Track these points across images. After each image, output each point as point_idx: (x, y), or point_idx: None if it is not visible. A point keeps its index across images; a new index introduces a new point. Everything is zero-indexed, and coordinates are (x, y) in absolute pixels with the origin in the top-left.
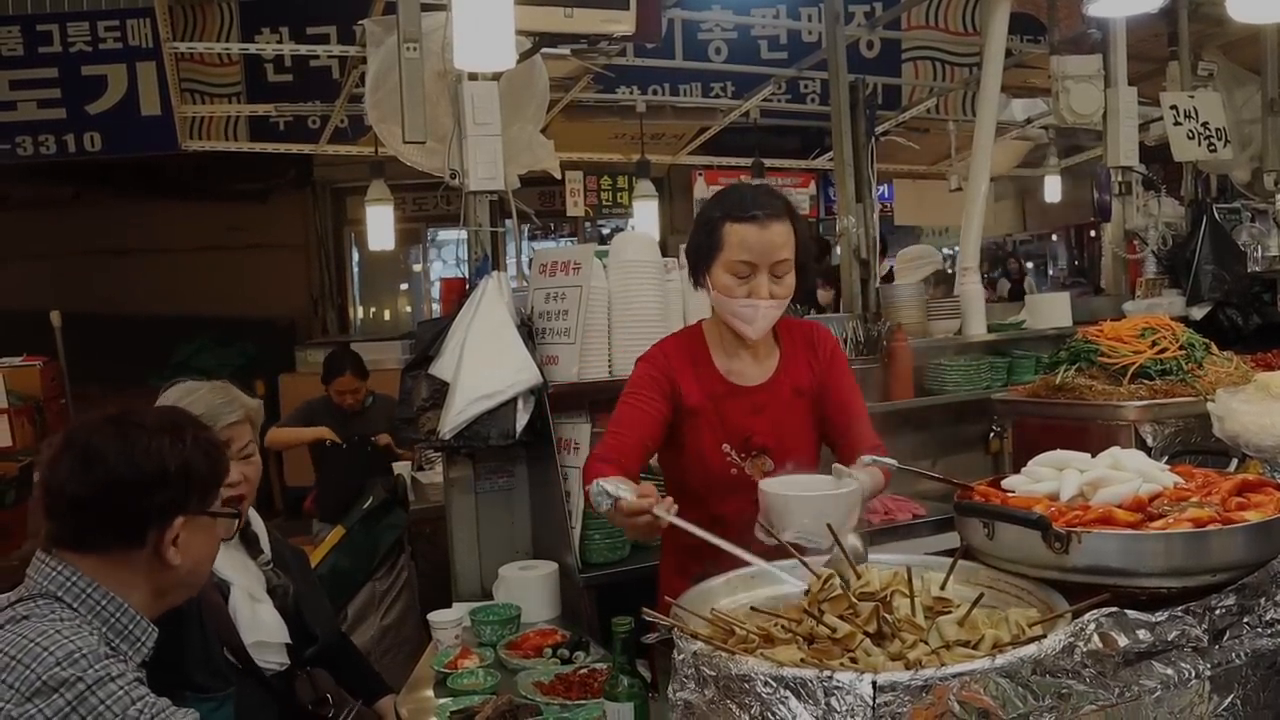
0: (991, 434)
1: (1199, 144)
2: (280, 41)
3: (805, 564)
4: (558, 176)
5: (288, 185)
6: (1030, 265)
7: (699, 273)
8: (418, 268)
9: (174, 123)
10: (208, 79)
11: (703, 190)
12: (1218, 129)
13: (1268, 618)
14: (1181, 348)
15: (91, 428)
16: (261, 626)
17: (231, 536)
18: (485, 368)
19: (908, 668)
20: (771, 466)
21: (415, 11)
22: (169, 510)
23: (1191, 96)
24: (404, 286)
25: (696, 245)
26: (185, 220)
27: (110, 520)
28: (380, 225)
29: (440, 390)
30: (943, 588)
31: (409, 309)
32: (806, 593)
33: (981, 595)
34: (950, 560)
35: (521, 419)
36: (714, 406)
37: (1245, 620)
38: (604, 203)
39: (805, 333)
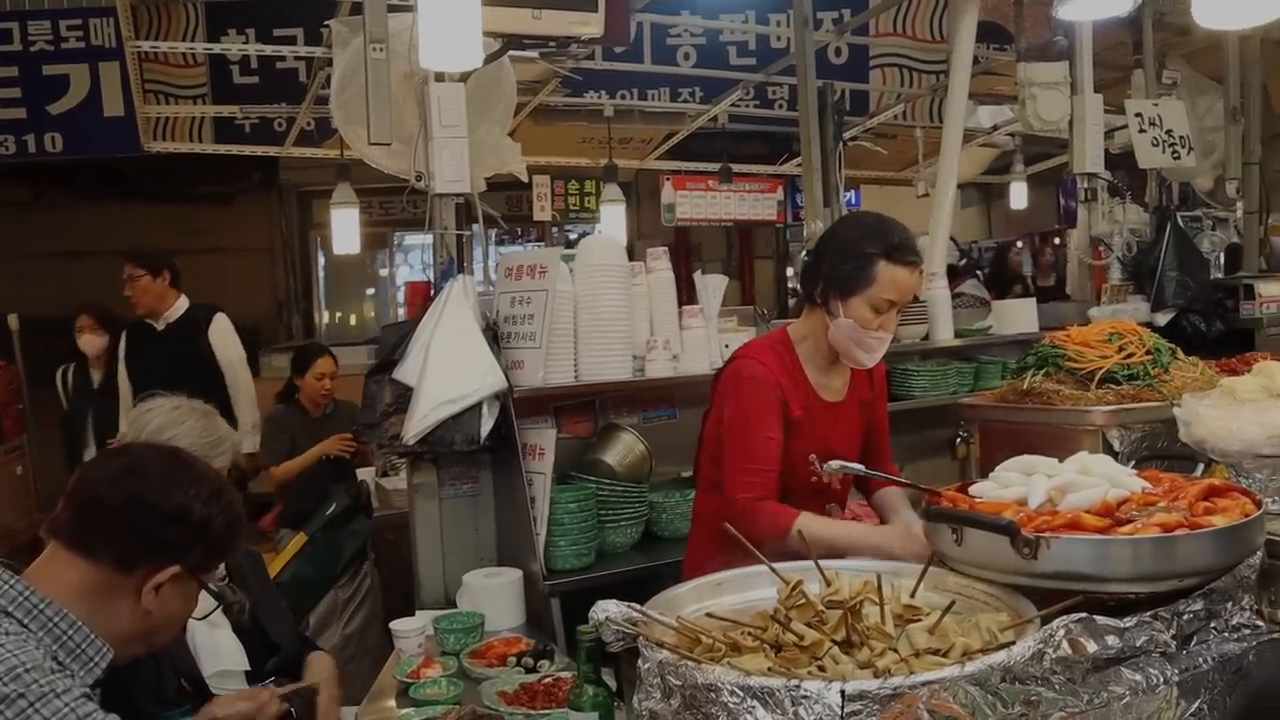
0: (959, 439)
1: (1163, 151)
2: (246, 42)
3: (775, 571)
4: (525, 180)
5: (253, 188)
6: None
7: (831, 297)
8: (384, 272)
9: (136, 124)
10: (172, 80)
11: (670, 195)
12: (1181, 136)
13: (1234, 622)
14: (1148, 353)
15: (153, 448)
16: (222, 655)
17: (203, 616)
18: (450, 372)
19: (876, 676)
20: (842, 475)
21: (382, 12)
22: (171, 552)
23: (1156, 104)
24: (370, 291)
25: (843, 274)
26: (148, 223)
27: (115, 531)
28: (346, 229)
29: (404, 395)
30: (912, 595)
31: (375, 313)
32: None
33: (953, 603)
34: (920, 567)
35: (486, 424)
36: (808, 419)
37: (1212, 625)
38: (571, 207)
39: None
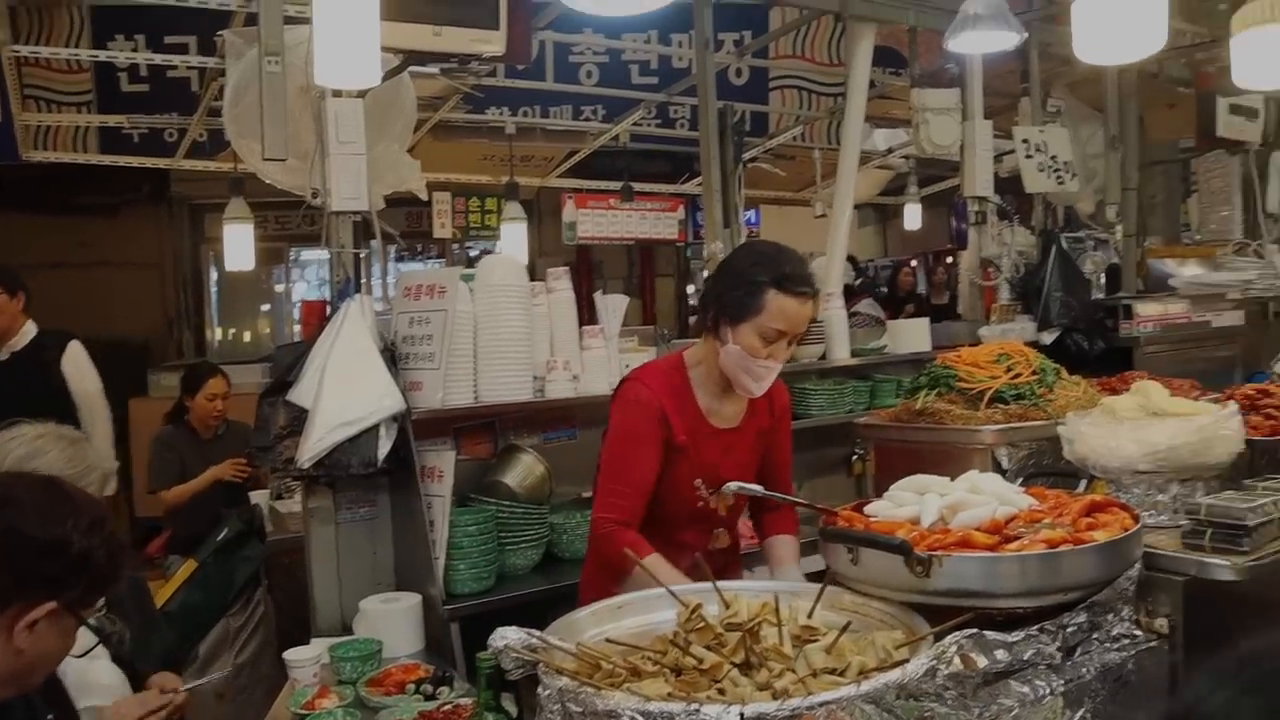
0: (855, 456)
1: (1048, 176)
2: (135, 49)
3: (674, 594)
4: (424, 198)
5: (142, 200)
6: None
7: (722, 323)
8: (280, 287)
9: (14, 132)
10: (54, 86)
11: (572, 213)
12: (1065, 163)
13: (1114, 633)
14: (1034, 373)
15: (29, 478)
16: (95, 689)
17: (83, 654)
18: (346, 394)
19: (775, 697)
20: (732, 502)
21: (278, 24)
22: (47, 587)
23: (1042, 131)
24: (265, 307)
25: (731, 301)
26: (29, 235)
27: None
28: (239, 245)
29: (299, 417)
30: (810, 615)
31: (270, 330)
32: None
33: (849, 624)
34: (818, 587)
35: (384, 447)
36: (695, 444)
37: (1094, 636)
38: (472, 224)
39: None
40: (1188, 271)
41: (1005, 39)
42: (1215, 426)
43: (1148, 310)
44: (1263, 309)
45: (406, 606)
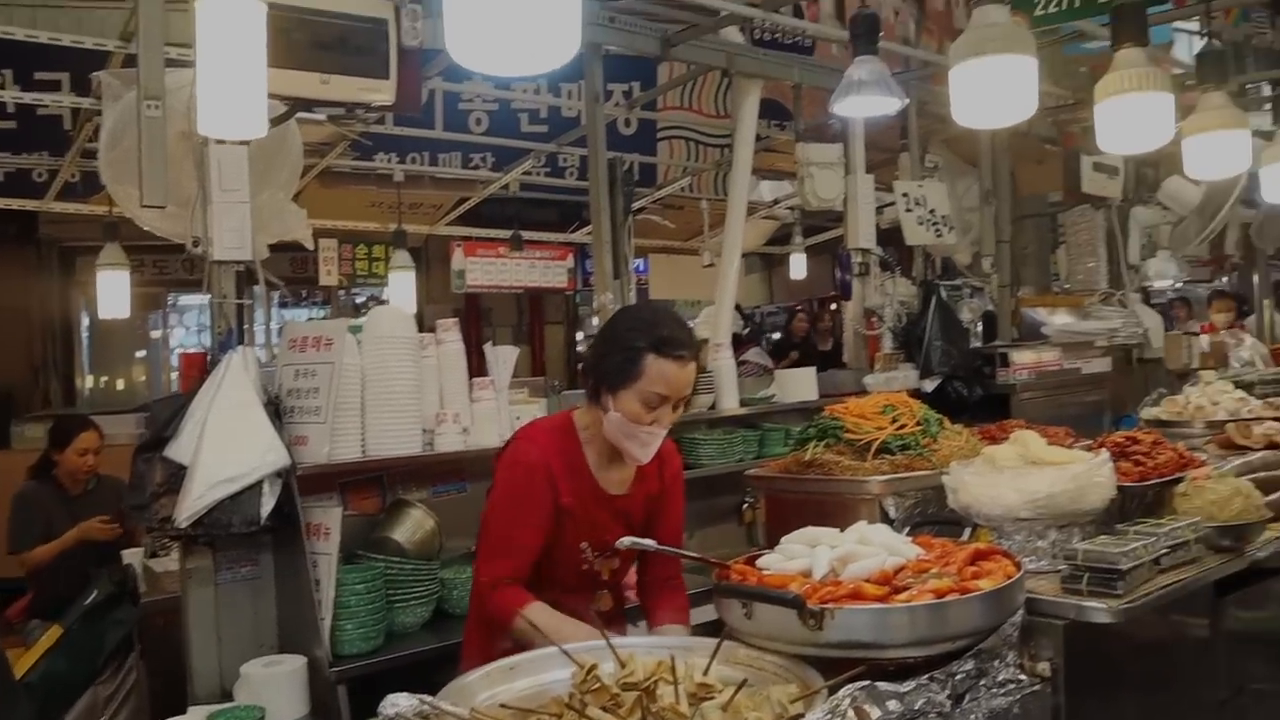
0: (745, 505)
1: (927, 229)
2: (3, 85)
3: (568, 654)
4: (310, 247)
5: (7, 241)
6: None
7: (603, 390)
8: (156, 334)
9: None
10: None
11: (461, 261)
12: (943, 216)
13: (1000, 678)
14: (919, 423)
15: None
16: None
17: None
18: (228, 449)
19: None
20: (617, 565)
21: (158, 68)
22: None
23: (920, 185)
24: (140, 354)
25: (610, 368)
26: None
27: None
28: (114, 292)
29: (177, 474)
30: (705, 673)
31: (146, 378)
32: None
33: (745, 680)
34: (713, 642)
35: (267, 504)
36: (582, 508)
37: (982, 682)
38: (359, 272)
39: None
40: (1058, 320)
41: (888, 104)
42: (1089, 474)
43: (1023, 358)
44: (1127, 355)
45: (291, 669)
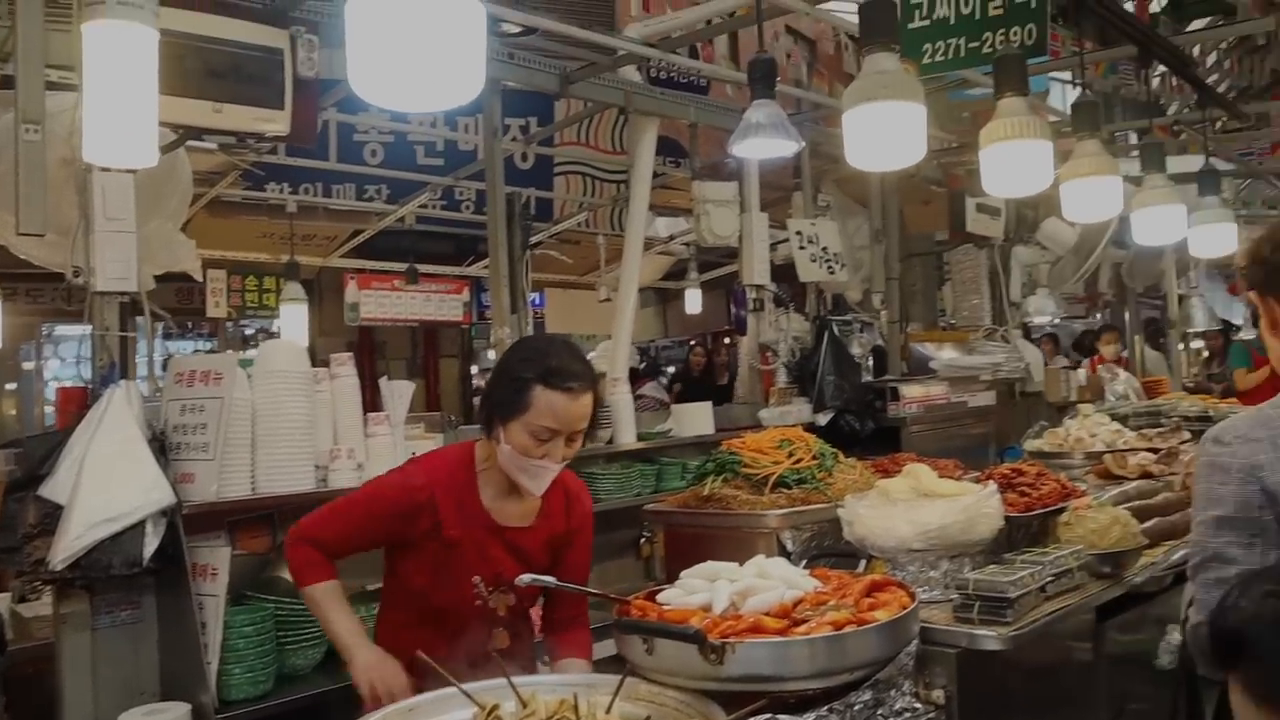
0: (643, 539)
1: (820, 266)
2: None
3: (468, 695)
4: (199, 278)
5: None
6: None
7: (495, 422)
8: (29, 365)
9: None
10: None
11: (355, 294)
12: (835, 253)
13: (897, 707)
14: (815, 457)
15: None
16: None
17: None
18: (108, 488)
19: None
20: (514, 602)
21: (38, 90)
22: None
23: (813, 224)
24: (11, 386)
25: (499, 400)
26: None
27: None
28: None
29: (53, 514)
30: (608, 710)
31: (17, 412)
32: None
33: (648, 717)
34: (615, 679)
35: (150, 544)
36: (473, 540)
37: (879, 712)
38: (249, 303)
39: (566, 485)
40: (945, 355)
41: (785, 146)
42: (979, 505)
43: (912, 392)
44: (1010, 389)
45: (174, 718)
